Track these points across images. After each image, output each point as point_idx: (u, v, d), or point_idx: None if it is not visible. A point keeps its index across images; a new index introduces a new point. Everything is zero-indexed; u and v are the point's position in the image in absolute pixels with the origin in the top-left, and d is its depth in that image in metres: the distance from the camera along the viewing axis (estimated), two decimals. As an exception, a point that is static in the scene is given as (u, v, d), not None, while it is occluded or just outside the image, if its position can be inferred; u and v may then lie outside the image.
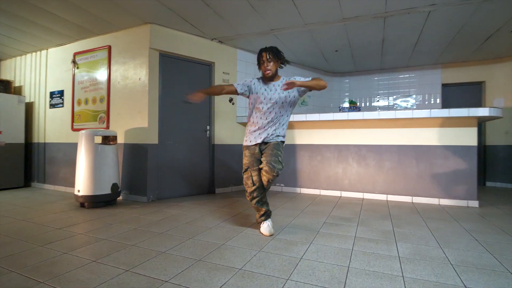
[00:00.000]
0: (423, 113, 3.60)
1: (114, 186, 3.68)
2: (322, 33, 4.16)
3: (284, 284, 1.69)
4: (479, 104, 5.41)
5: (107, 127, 4.24)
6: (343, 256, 2.12)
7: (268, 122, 2.54)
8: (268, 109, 2.52)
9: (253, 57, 4.99)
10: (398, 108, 5.92)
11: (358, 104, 6.20)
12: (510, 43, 4.44)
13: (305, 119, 4.24)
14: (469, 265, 1.96)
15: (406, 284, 1.69)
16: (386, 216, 3.21)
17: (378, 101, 6.10)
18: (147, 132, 3.91)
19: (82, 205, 3.61)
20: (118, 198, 3.87)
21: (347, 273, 1.85)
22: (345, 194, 4.30)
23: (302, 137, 4.58)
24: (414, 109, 5.71)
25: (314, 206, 3.68)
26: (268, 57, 2.48)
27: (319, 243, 2.38)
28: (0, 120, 4.71)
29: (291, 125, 4.63)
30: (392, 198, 4.02)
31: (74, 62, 4.55)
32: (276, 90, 2.55)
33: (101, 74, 4.32)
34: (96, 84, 4.37)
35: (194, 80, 4.37)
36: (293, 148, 4.64)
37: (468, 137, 3.65)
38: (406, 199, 3.94)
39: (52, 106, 4.88)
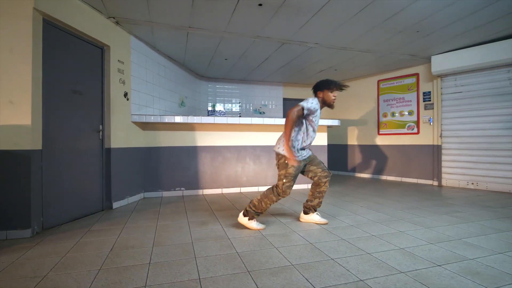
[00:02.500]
0: (303, 121, 4.80)
1: (-23, 222, 2.23)
2: (229, 42, 4.43)
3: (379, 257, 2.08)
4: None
5: None
6: (364, 232, 2.73)
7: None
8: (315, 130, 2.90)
9: (145, 48, 4.41)
10: (256, 115, 7.11)
11: (222, 108, 6.83)
12: (326, 77, 6.65)
13: (213, 122, 4.35)
14: (403, 219, 3.16)
15: (409, 234, 2.58)
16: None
17: (239, 107, 7.00)
18: (27, 132, 2.61)
19: None
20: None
21: (385, 240, 2.49)
22: (244, 189, 4.82)
23: (204, 139, 4.60)
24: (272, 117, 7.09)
25: (241, 204, 3.97)
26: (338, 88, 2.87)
27: (327, 227, 2.83)
28: None
29: (192, 127, 4.54)
30: (279, 188, 4.98)
31: None
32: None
33: None
34: None
35: (84, 64, 3.31)
36: (194, 150, 4.56)
37: (323, 139, 5.24)
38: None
39: None
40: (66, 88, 3.07)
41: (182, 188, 4.52)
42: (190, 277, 1.88)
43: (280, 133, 4.96)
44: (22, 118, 2.60)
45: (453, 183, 5.25)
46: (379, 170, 6.40)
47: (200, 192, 4.61)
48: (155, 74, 4.70)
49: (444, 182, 5.36)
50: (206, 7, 3.34)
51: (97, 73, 3.52)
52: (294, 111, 2.60)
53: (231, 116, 6.90)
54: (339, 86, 2.86)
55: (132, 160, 4.04)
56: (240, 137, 4.79)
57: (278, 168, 2.81)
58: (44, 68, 2.81)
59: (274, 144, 4.96)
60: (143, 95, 4.33)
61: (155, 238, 2.60)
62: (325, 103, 2.90)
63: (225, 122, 4.40)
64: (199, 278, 1.85)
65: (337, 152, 7.28)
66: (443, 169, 5.36)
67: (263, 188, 4.92)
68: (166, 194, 4.44)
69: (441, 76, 5.30)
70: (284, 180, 2.74)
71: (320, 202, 3.06)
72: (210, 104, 6.81)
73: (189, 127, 4.53)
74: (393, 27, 3.97)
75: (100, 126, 3.55)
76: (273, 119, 4.64)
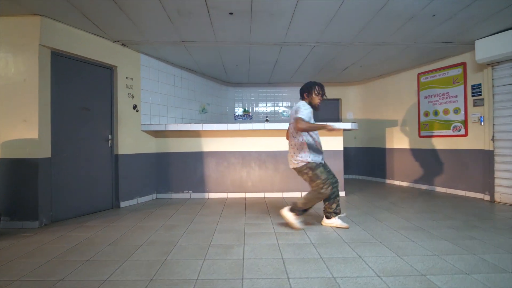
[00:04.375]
0: (310, 126, 4.53)
1: (-8, 214, 2.96)
2: (228, 50, 4.54)
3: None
4: (337, 115, 7.10)
5: (-31, 138, 3.29)
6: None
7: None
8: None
9: (158, 63, 4.88)
10: (282, 117, 7.01)
11: (250, 112, 6.96)
12: (358, 73, 6.08)
13: (213, 128, 4.53)
14: (383, 241, 2.80)
15: (365, 261, 2.32)
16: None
17: (267, 117, 7.02)
18: (36, 144, 3.29)
19: None
20: (-6, 227, 3.12)
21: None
22: (250, 195, 4.86)
23: (209, 145, 4.84)
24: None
25: (235, 208, 4.05)
26: (324, 92, 3.09)
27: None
28: None
29: (198, 133, 4.82)
30: (286, 195, 4.84)
31: None
32: None
33: (-46, 69, 3.29)
34: None
35: (93, 84, 3.93)
36: (200, 155, 4.84)
37: (338, 143, 4.83)
38: (297, 194, 4.85)
39: None
40: (74, 106, 3.71)
41: (190, 191, 4.86)
42: (101, 277, 2.11)
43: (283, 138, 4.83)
44: (32, 133, 3.29)
45: (509, 198, 4.15)
46: (420, 179, 5.50)
47: (206, 195, 4.86)
48: (169, 86, 5.15)
49: (497, 197, 4.28)
50: (183, 22, 3.53)
51: (107, 90, 4.11)
52: (305, 127, 2.81)
53: (258, 121, 6.97)
54: (323, 93, 3.11)
55: (142, 165, 4.56)
56: (244, 142, 4.84)
57: (311, 181, 3.00)
58: (53, 92, 3.47)
59: (278, 149, 4.84)
60: (155, 106, 4.82)
61: (119, 238, 2.93)
62: (311, 105, 3.09)
63: (226, 129, 4.52)
64: (106, 280, 2.07)
65: (375, 157, 6.54)
66: (496, 181, 4.28)
67: (269, 194, 4.86)
68: (175, 196, 4.85)
69: (492, 64, 4.23)
70: (325, 187, 2.93)
71: (338, 206, 3.18)
72: (237, 109, 7.01)
73: (196, 133, 4.83)
74: (397, 15, 3.40)
75: (110, 136, 4.14)
76: (275, 124, 4.53)
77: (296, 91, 7.03)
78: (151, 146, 4.76)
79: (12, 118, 3.30)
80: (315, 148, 3.02)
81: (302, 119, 2.81)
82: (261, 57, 4.88)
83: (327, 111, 7.04)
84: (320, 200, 3.03)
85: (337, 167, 4.83)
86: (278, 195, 4.85)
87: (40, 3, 3.04)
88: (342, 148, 4.85)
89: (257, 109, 7.04)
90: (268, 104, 7.05)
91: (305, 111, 2.89)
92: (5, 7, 3.10)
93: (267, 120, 6.96)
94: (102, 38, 3.96)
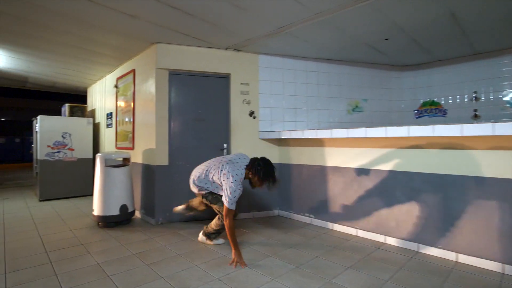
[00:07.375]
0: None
1: (123, 208, 3.70)
2: (346, 22, 3.04)
3: None
4: None
5: (133, 147, 4.36)
6: None
7: None
8: None
9: (278, 61, 4.20)
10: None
11: (442, 105, 4.46)
12: None
13: (330, 136, 3.22)
14: None
15: None
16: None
17: (474, 100, 4.17)
18: (156, 153, 3.78)
19: (98, 224, 3.77)
20: (134, 217, 3.94)
21: None
22: (391, 241, 3.01)
23: (333, 158, 3.51)
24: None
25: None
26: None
27: None
28: (73, 139, 5.59)
29: (321, 142, 3.64)
30: (480, 262, 2.54)
31: (116, 86, 4.92)
32: None
33: (130, 96, 4.49)
34: (128, 105, 4.57)
35: (208, 95, 4.00)
36: (323, 171, 3.63)
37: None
38: (499, 267, 2.42)
39: (108, 126, 5.45)
40: (188, 118, 3.94)
41: (311, 215, 3.76)
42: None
43: (451, 151, 2.63)
44: (152, 145, 3.83)
45: None
46: None
47: (330, 225, 3.55)
48: (299, 84, 4.27)
49: None
50: (251, 6, 2.69)
51: (223, 99, 4.06)
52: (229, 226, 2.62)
53: (458, 116, 4.33)
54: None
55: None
56: (387, 157, 3.05)
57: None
58: (170, 108, 3.86)
59: (449, 172, 2.64)
60: (278, 110, 4.18)
61: (129, 255, 2.70)
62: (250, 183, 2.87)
63: (342, 136, 3.08)
64: None
65: None
66: None
67: (428, 250, 2.75)
68: (296, 217, 3.95)
69: None
70: None
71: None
72: (421, 101, 4.65)
73: (318, 142, 3.67)
74: None
75: (225, 145, 4.04)
76: (431, 127, 2.48)
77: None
78: (273, 155, 4.16)
79: (146, 131, 3.98)
80: None
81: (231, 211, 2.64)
82: (414, 17, 2.85)
83: None
84: None
85: None
86: (450, 255, 2.64)
87: (152, 34, 3.47)
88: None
89: (456, 99, 4.36)
90: (475, 89, 4.14)
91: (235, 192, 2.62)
92: (136, 45, 3.82)
93: (476, 116, 4.14)
94: (213, 49, 3.93)
